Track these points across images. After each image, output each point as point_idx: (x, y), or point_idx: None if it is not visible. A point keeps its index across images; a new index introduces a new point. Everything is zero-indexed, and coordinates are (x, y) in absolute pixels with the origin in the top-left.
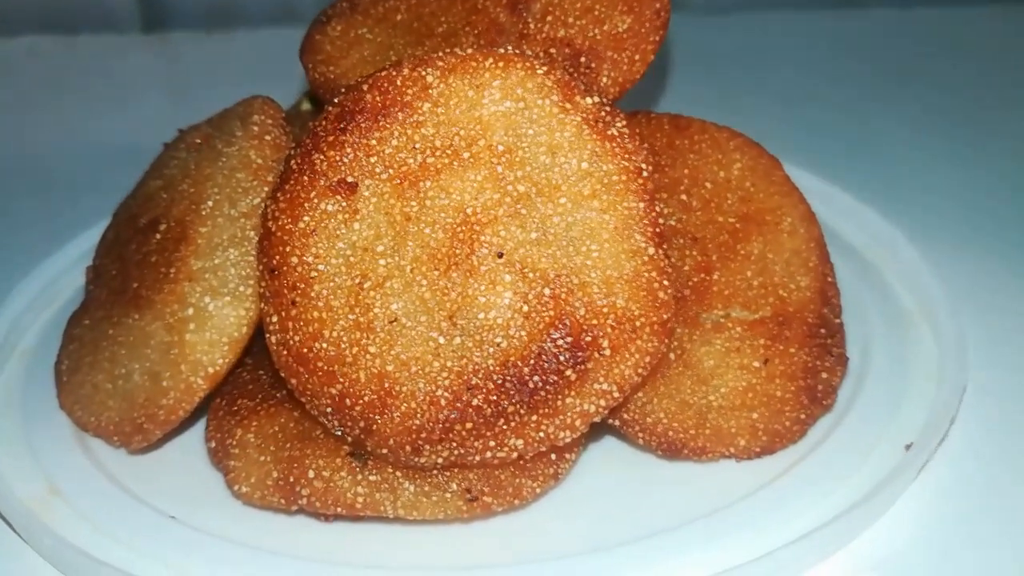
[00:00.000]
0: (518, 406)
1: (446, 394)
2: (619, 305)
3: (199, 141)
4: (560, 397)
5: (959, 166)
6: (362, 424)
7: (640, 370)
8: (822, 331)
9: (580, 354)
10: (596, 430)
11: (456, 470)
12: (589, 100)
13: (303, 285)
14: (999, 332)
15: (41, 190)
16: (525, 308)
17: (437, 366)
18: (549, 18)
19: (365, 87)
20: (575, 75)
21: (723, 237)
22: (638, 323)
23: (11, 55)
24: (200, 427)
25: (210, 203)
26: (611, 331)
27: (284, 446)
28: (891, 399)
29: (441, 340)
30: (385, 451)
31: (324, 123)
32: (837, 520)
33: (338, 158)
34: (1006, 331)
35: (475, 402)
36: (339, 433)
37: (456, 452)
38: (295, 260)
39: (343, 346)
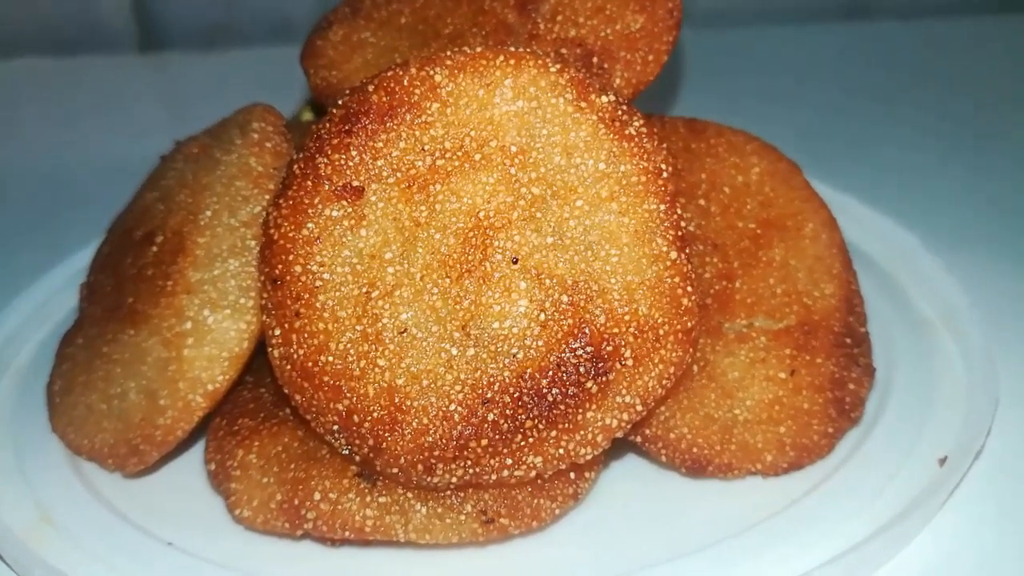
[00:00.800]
0: (536, 421)
1: (460, 409)
2: (641, 312)
3: (196, 151)
4: (580, 411)
5: (971, 174)
6: (371, 442)
7: (664, 381)
8: (848, 341)
9: (601, 365)
10: (616, 447)
11: (471, 491)
12: (605, 98)
13: (307, 295)
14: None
15: (37, 209)
16: (542, 316)
17: (450, 379)
18: (559, 18)
19: (371, 88)
20: (589, 73)
21: (744, 243)
22: (661, 331)
23: (8, 76)
24: (199, 449)
25: (208, 213)
26: (633, 340)
27: (288, 467)
28: (919, 411)
29: (454, 351)
30: (396, 471)
31: (328, 125)
32: (871, 540)
33: (343, 161)
34: None
35: (491, 417)
36: (346, 452)
37: (471, 471)
38: (299, 269)
39: (350, 359)
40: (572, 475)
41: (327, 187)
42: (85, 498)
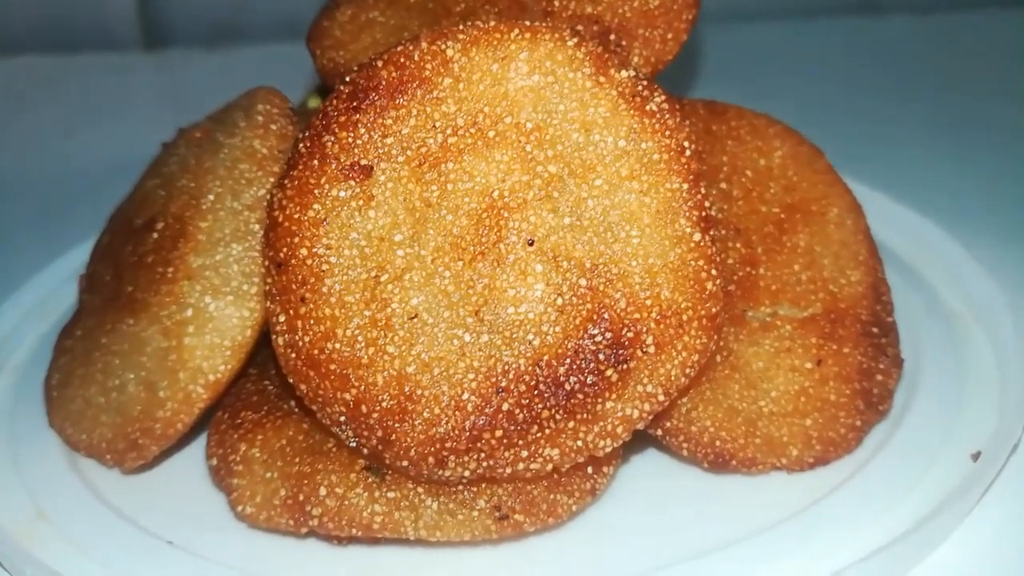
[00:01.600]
0: (553, 411)
1: (473, 398)
2: (664, 297)
3: (199, 136)
4: (600, 401)
5: (990, 164)
6: (380, 433)
7: (688, 370)
8: (875, 330)
9: (621, 352)
10: (635, 441)
11: (484, 485)
12: (624, 73)
13: (313, 280)
14: None
15: (40, 206)
16: (559, 301)
17: (462, 367)
18: None
19: (379, 63)
20: (608, 48)
21: (768, 228)
22: (685, 317)
23: (12, 74)
24: (201, 443)
25: (211, 197)
26: (655, 326)
27: (292, 461)
28: (950, 404)
29: (467, 338)
30: (405, 464)
31: (335, 102)
32: (901, 540)
33: (351, 140)
34: None
35: (505, 407)
36: (354, 445)
37: (484, 464)
38: (304, 252)
39: (358, 346)
40: (590, 469)
41: (334, 166)
42: (82, 495)
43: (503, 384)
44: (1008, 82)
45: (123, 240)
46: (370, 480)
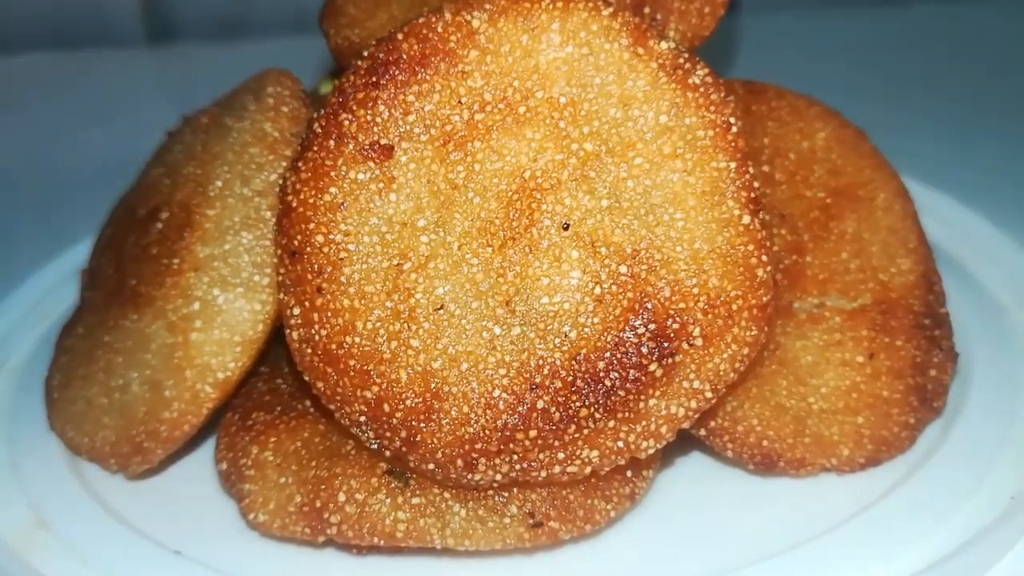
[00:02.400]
0: (592, 409)
1: (505, 395)
2: (711, 285)
3: (206, 121)
4: (642, 398)
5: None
6: (403, 434)
7: (737, 364)
8: (927, 321)
9: (666, 345)
10: (675, 441)
11: (516, 490)
12: (664, 44)
13: (331, 269)
14: None
15: (44, 202)
16: (597, 290)
17: (493, 362)
18: None
19: (400, 36)
20: (645, 18)
21: (813, 214)
22: (734, 306)
23: (16, 71)
24: (210, 446)
25: (219, 183)
26: (702, 317)
27: (308, 465)
28: (1005, 401)
29: (497, 330)
30: (431, 467)
31: (353, 78)
32: (964, 549)
33: (370, 118)
34: None
35: (540, 405)
36: (375, 447)
37: (517, 467)
38: (320, 240)
39: (379, 340)
40: (629, 473)
41: (351, 147)
42: (84, 501)
43: (537, 380)
44: None
45: (126, 232)
46: (393, 485)
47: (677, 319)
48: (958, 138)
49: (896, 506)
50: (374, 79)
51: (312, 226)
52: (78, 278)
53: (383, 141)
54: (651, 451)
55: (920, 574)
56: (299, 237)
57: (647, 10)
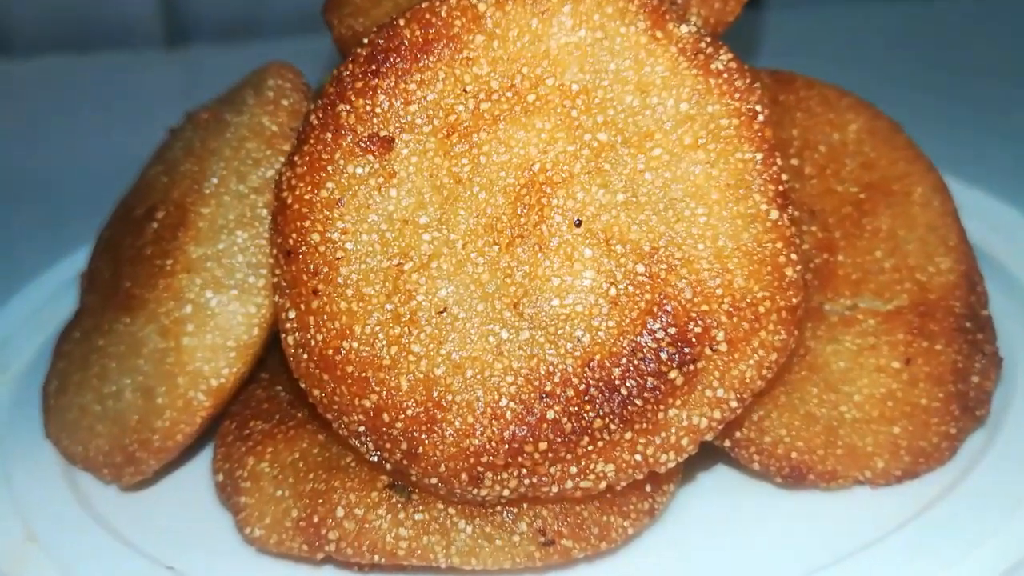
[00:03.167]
0: (607, 420)
1: (512, 405)
2: (737, 285)
3: (206, 117)
4: (661, 408)
5: None
6: (404, 446)
7: (764, 371)
8: (969, 324)
9: (687, 350)
10: (698, 454)
11: (526, 506)
12: (685, 28)
13: (327, 269)
14: None
15: (61, 205)
16: (612, 291)
17: (499, 368)
18: None
19: (401, 22)
20: (664, 1)
21: (845, 210)
22: (762, 309)
23: (33, 75)
24: (207, 456)
25: (215, 180)
26: (727, 320)
27: (306, 477)
28: None
29: (504, 335)
30: (434, 481)
31: (352, 67)
32: (1013, 571)
33: (369, 108)
34: None
35: (550, 415)
36: (375, 459)
37: (526, 482)
38: (316, 238)
39: (379, 345)
40: (648, 487)
41: (350, 139)
42: (76, 514)
43: (547, 388)
44: None
45: (123, 233)
46: (394, 500)
47: (699, 322)
48: (998, 133)
49: (936, 522)
50: (373, 67)
51: (308, 224)
52: (77, 281)
53: (383, 133)
54: (671, 465)
55: None
56: (294, 235)
57: None
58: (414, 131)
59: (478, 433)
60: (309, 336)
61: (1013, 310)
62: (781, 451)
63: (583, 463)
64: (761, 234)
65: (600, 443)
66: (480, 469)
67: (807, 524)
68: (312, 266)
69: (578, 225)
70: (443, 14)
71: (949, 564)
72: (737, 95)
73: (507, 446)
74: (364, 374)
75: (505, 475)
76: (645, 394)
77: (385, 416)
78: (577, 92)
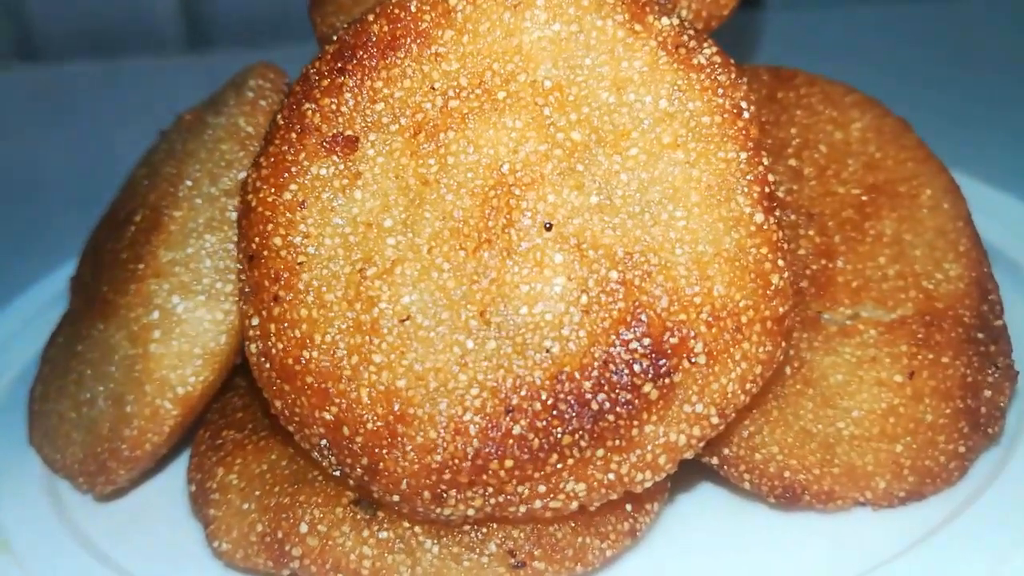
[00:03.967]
0: (577, 436)
1: (477, 419)
2: (717, 293)
3: (190, 118)
4: (636, 424)
5: None
6: (365, 461)
7: (748, 385)
8: (980, 335)
9: (663, 362)
10: (685, 471)
11: (495, 525)
12: (666, 21)
13: (288, 274)
14: None
15: (84, 210)
16: (584, 299)
17: (464, 380)
18: None
19: (371, 17)
20: None
21: (847, 213)
22: (744, 318)
23: (58, 80)
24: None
25: (188, 183)
26: (706, 330)
27: (271, 491)
28: None
29: (469, 344)
30: (396, 498)
31: (319, 64)
32: None
33: (335, 107)
34: None
35: (516, 431)
36: (338, 474)
37: (492, 501)
38: (279, 242)
39: (339, 355)
40: (628, 507)
41: (314, 140)
42: (51, 523)
43: (514, 402)
44: None
45: (106, 236)
46: (359, 516)
47: (676, 333)
48: (1013, 132)
49: (944, 546)
50: (340, 64)
51: (270, 227)
52: (68, 285)
53: (348, 133)
54: (648, 484)
55: None
56: (257, 239)
57: None
58: (380, 130)
59: (440, 449)
60: (270, 344)
61: (1014, 300)
62: (773, 470)
63: (552, 481)
64: (744, 239)
65: (570, 461)
66: (443, 487)
67: (803, 548)
68: (273, 271)
69: (548, 229)
70: (413, 8)
71: None
72: (720, 91)
73: (471, 463)
74: (324, 385)
75: (470, 493)
76: (618, 409)
77: (345, 429)
78: (550, 89)
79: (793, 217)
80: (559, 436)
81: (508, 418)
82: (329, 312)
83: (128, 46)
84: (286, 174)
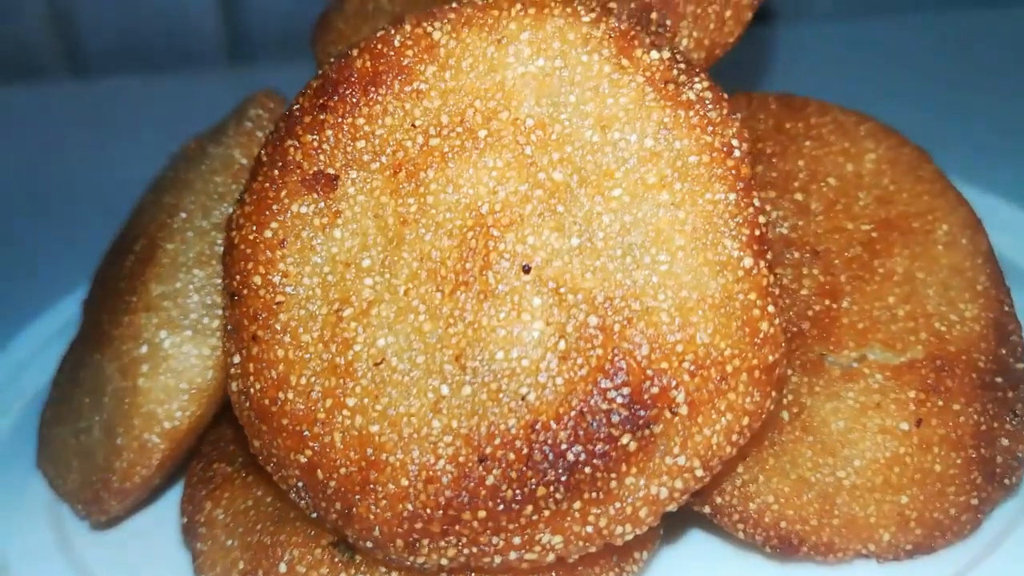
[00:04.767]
0: (552, 488)
1: (449, 467)
2: (701, 341)
3: (193, 147)
4: (614, 476)
5: None
6: (339, 506)
7: (734, 437)
8: (999, 380)
9: (642, 413)
10: (677, 520)
11: (474, 574)
12: (655, 55)
13: (266, 314)
14: None
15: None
16: (562, 345)
17: (438, 427)
18: None
19: (355, 51)
20: (640, 26)
21: (854, 251)
22: (729, 368)
23: (104, 95)
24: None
25: (183, 215)
26: (689, 379)
27: (254, 528)
28: None
29: (444, 390)
30: (370, 545)
31: (302, 100)
32: None
33: (316, 144)
34: None
35: (490, 481)
36: (315, 516)
37: (466, 551)
38: (258, 281)
39: (314, 397)
40: (615, 558)
41: (296, 177)
42: (50, 549)
43: (488, 451)
44: None
45: (111, 261)
46: (337, 559)
47: (657, 382)
48: None
49: None
50: (322, 101)
51: (251, 265)
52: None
53: (329, 170)
54: (628, 537)
55: None
56: (238, 277)
57: (655, 15)
58: (361, 168)
59: (412, 497)
60: (249, 384)
61: None
62: (769, 520)
63: (527, 533)
64: (731, 284)
65: (546, 512)
66: (415, 535)
67: None
68: (252, 310)
69: (527, 271)
70: (396, 43)
71: None
72: (710, 128)
73: (443, 513)
74: (299, 428)
75: (443, 543)
76: (595, 460)
77: (319, 473)
78: (532, 127)
79: (797, 255)
80: (533, 487)
81: (481, 467)
82: (305, 353)
83: (172, 61)
84: (267, 212)
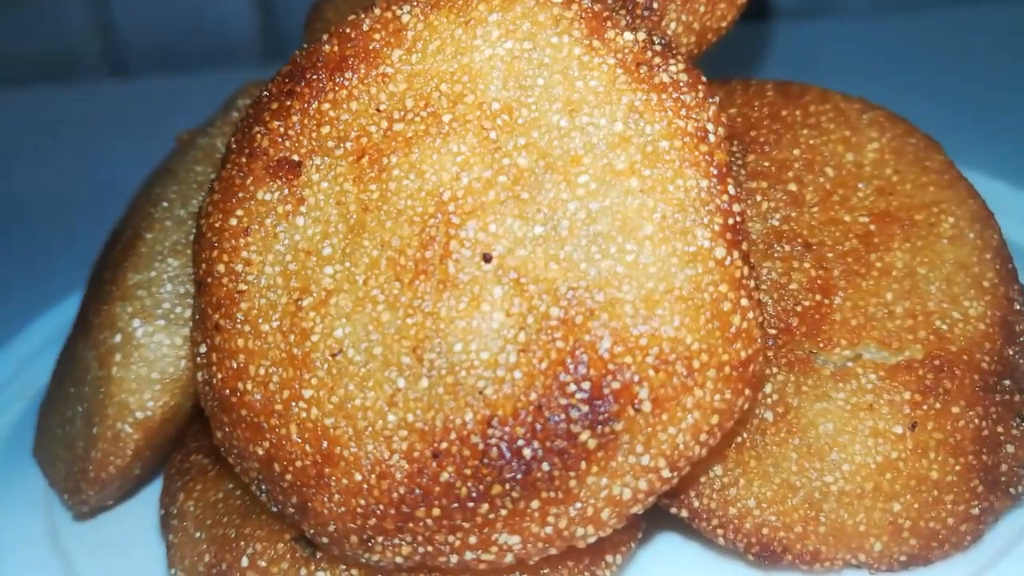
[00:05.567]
0: (507, 487)
1: (403, 463)
2: (666, 335)
3: (185, 138)
4: (573, 474)
5: None
6: (295, 500)
7: (703, 436)
8: (1005, 383)
9: (603, 409)
10: (652, 524)
11: (431, 573)
12: (629, 36)
13: (228, 303)
14: None
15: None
16: (522, 337)
17: (393, 420)
18: None
19: (325, 37)
20: (622, 8)
21: (850, 244)
22: (696, 363)
23: (142, 94)
24: None
25: (164, 204)
26: (653, 375)
27: (221, 521)
28: None
29: (400, 382)
30: (326, 541)
31: (271, 87)
32: None
33: (282, 131)
34: None
35: (444, 477)
36: (275, 509)
37: (421, 550)
38: (222, 269)
39: (272, 388)
40: (586, 560)
41: (261, 164)
42: (36, 540)
43: (442, 446)
44: None
45: (105, 253)
46: (299, 554)
47: (619, 377)
48: None
49: None
50: (289, 86)
51: (215, 254)
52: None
53: (293, 157)
54: (591, 539)
55: None
56: (203, 266)
57: None
58: (326, 155)
59: (365, 493)
60: (212, 374)
61: None
62: (749, 526)
63: (484, 532)
64: (701, 275)
65: (502, 511)
66: (369, 532)
67: None
68: (216, 299)
69: (487, 261)
70: (365, 27)
71: None
72: (684, 112)
73: (396, 510)
74: (257, 419)
75: (397, 540)
76: (553, 458)
77: (276, 466)
78: (498, 111)
79: (787, 248)
80: (489, 484)
81: (435, 463)
82: (265, 343)
83: (209, 60)
84: (234, 199)
